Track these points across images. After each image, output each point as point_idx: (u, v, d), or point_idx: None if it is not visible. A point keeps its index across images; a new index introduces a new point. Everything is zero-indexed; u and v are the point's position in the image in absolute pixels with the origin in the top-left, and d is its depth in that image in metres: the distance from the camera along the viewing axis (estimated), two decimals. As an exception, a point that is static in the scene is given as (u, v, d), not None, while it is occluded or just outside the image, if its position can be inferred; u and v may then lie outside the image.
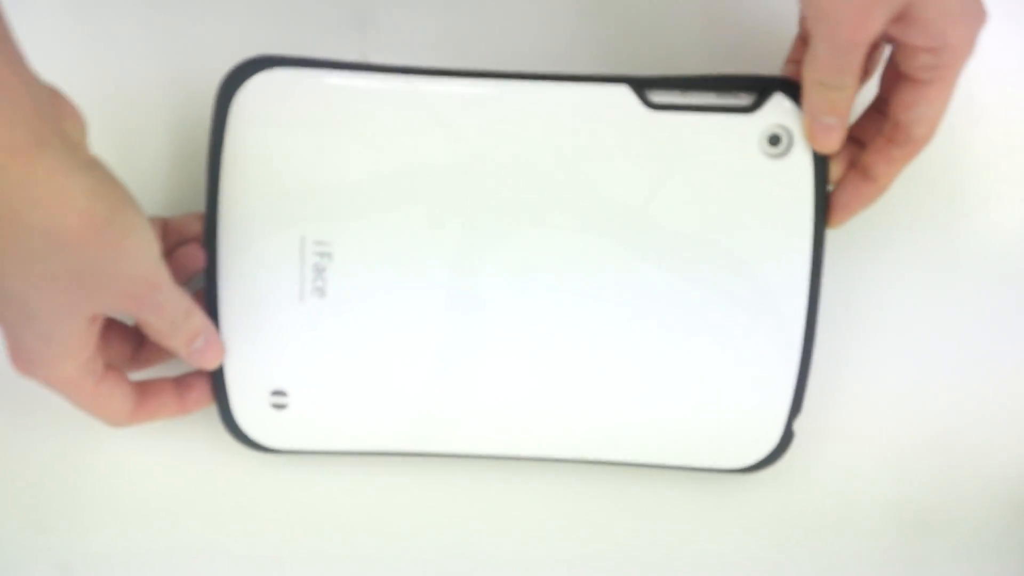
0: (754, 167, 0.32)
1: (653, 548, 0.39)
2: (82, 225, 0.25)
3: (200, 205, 0.34)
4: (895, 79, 0.31)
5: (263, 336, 0.34)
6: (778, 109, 0.32)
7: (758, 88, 0.32)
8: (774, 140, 0.32)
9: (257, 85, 0.32)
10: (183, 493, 0.38)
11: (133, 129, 0.37)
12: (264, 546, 0.38)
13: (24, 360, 0.30)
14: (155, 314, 0.30)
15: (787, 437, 0.35)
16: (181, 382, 0.35)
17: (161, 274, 0.29)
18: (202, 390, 0.35)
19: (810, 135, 0.32)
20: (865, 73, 0.32)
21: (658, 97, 0.32)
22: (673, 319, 0.34)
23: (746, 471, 0.36)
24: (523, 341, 0.34)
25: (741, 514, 0.39)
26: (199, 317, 0.32)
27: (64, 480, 0.38)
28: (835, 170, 0.33)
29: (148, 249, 0.28)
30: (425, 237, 0.33)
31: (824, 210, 0.33)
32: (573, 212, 0.33)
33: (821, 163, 0.32)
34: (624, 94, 0.32)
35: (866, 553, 0.39)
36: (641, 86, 0.32)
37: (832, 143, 0.32)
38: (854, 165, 0.33)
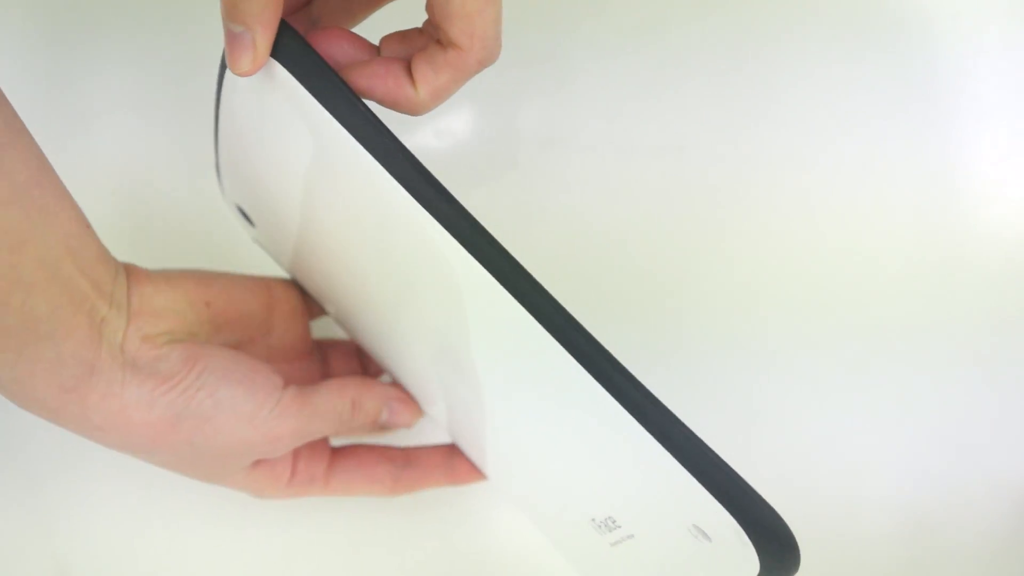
0: None
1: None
2: (150, 436, 0.25)
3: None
4: None
5: None
6: None
7: None
8: None
9: None
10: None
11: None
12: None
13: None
14: (309, 436, 0.27)
15: None
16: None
17: (274, 424, 0.26)
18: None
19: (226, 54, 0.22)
20: None
21: None
22: None
23: None
24: None
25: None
26: (368, 397, 0.28)
27: (64, 480, 0.38)
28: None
29: (238, 417, 0.25)
30: None
31: None
32: None
33: None
34: None
35: (869, 556, 0.39)
36: None
37: (242, 61, 0.21)
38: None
